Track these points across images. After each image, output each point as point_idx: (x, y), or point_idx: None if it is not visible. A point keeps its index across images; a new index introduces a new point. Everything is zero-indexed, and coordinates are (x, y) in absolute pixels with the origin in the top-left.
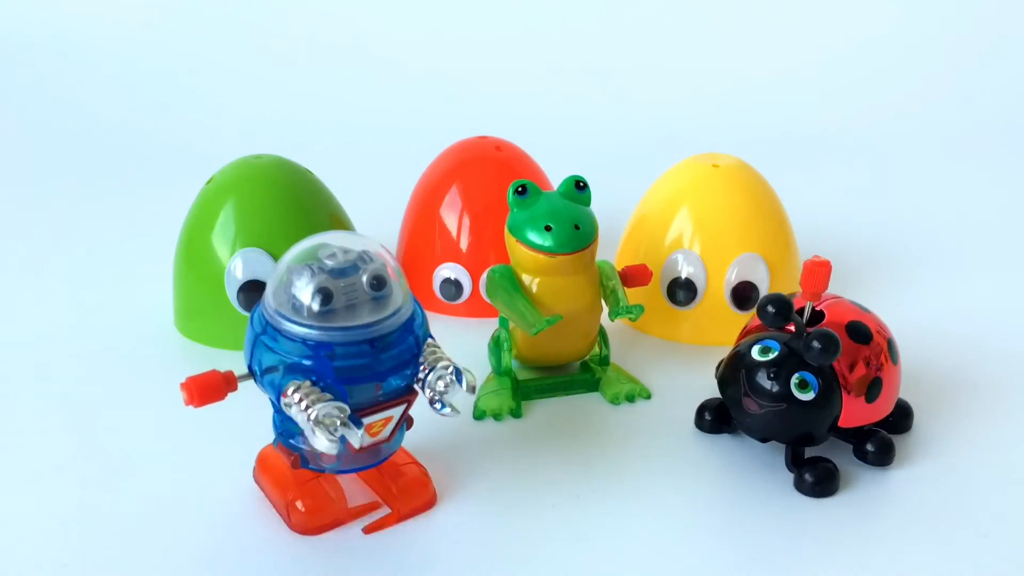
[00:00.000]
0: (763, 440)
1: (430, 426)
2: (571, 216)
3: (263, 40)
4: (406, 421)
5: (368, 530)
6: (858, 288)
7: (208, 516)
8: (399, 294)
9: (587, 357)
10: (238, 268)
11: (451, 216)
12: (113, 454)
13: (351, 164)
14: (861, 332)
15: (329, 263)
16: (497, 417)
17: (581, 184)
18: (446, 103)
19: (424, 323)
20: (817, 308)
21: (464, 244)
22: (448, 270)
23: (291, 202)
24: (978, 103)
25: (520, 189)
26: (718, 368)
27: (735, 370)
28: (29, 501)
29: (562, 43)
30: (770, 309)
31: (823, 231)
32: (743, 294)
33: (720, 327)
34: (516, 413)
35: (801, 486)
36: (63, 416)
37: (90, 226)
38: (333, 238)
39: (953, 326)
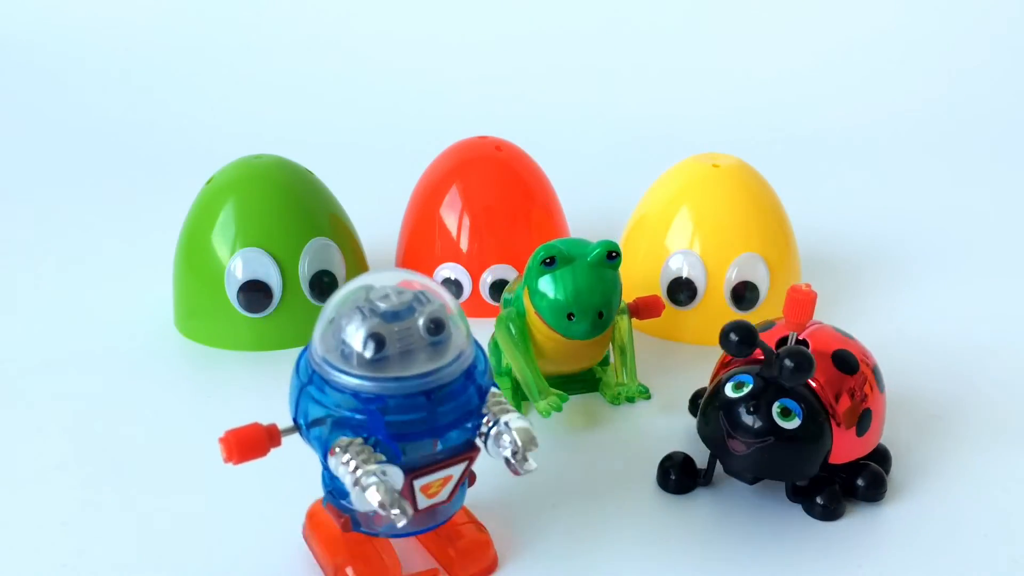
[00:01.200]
0: (753, 481)
1: None
2: (595, 304)
3: (264, 40)
4: (468, 478)
5: None
6: (857, 288)
7: (208, 514)
8: (459, 338)
9: None
10: (238, 268)
11: (451, 216)
12: (113, 454)
13: (351, 164)
14: (847, 362)
15: (382, 305)
16: None
17: (614, 254)
18: (446, 103)
19: (487, 371)
20: (800, 337)
21: (464, 244)
22: (448, 270)
23: (291, 202)
24: (978, 104)
25: (548, 261)
26: (693, 403)
27: (713, 412)
28: (29, 501)
29: (562, 43)
30: (732, 337)
31: (823, 231)
32: (743, 294)
33: (720, 327)
34: None
35: (813, 511)
36: (63, 415)
37: (90, 226)
38: (383, 278)
39: (951, 326)
